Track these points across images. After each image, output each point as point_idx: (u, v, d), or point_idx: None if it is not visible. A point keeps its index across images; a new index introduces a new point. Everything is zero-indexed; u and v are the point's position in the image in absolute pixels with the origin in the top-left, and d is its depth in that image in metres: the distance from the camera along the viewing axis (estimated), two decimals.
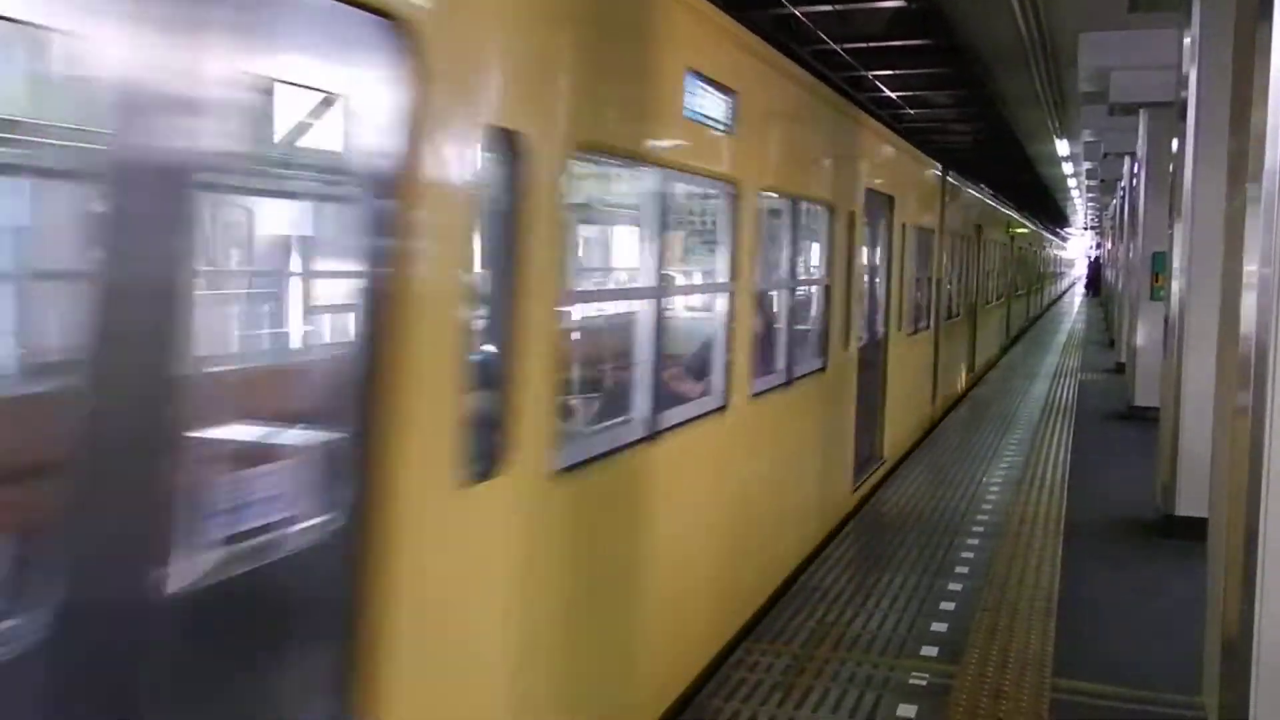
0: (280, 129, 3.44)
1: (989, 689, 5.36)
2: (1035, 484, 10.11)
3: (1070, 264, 74.32)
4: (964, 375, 17.10)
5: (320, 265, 5.03)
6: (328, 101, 3.00)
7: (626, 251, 8.44)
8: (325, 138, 3.24)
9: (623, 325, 5.29)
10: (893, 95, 17.34)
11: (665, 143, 4.70)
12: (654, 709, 4.84)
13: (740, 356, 5.80)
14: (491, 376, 3.34)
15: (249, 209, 4.28)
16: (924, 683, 5.44)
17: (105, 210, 1.99)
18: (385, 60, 2.69)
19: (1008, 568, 7.39)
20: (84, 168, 2.02)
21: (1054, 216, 55.07)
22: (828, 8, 12.01)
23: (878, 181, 9.64)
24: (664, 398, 4.90)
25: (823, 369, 7.81)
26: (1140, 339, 14.13)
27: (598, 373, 6.18)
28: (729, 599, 5.93)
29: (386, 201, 2.75)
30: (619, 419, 4.84)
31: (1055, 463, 11.13)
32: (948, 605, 6.61)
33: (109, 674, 2.05)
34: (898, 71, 15.92)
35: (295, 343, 5.13)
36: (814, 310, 7.97)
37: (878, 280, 10.08)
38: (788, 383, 6.93)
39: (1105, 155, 20.75)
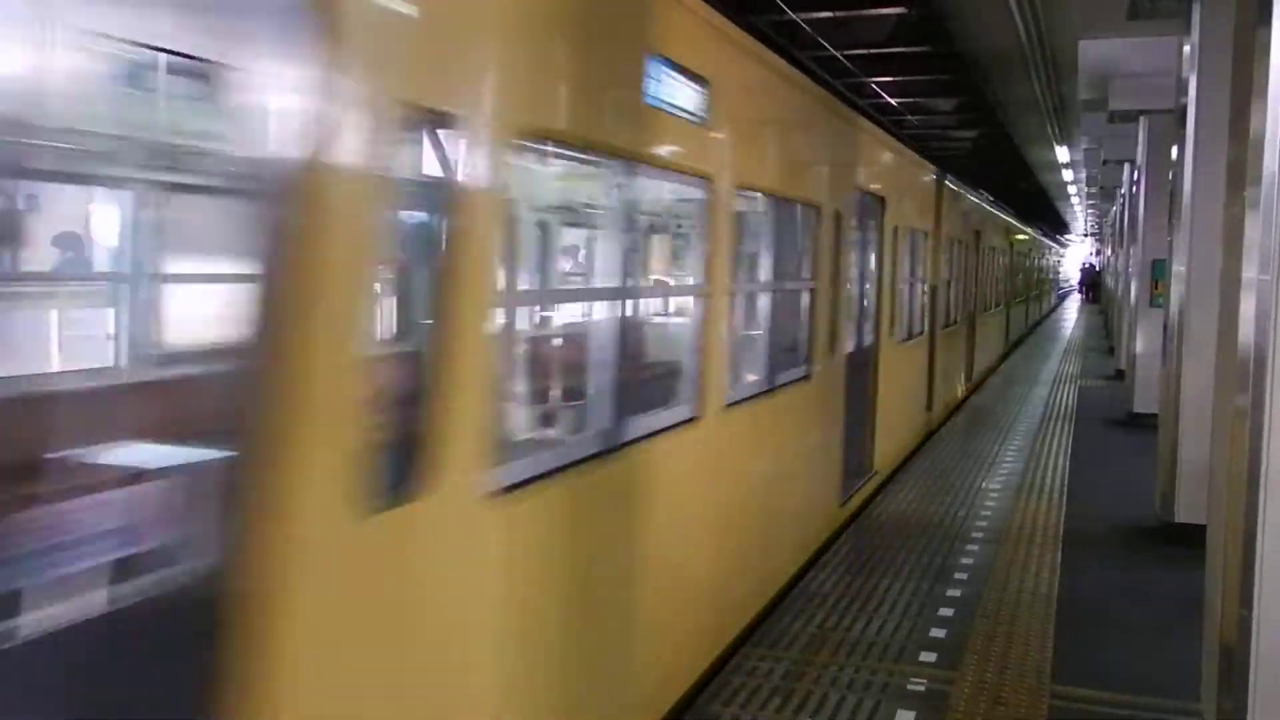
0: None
1: (987, 695, 5.36)
2: (1034, 490, 10.11)
3: (1072, 270, 74.25)
4: (962, 383, 16.94)
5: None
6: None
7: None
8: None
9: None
10: (893, 102, 17.37)
11: (603, 125, 4.30)
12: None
13: (712, 363, 5.51)
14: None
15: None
16: (922, 688, 5.43)
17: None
18: None
19: (1007, 574, 7.38)
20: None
21: (1054, 223, 55.13)
22: (828, 14, 12.04)
23: (869, 183, 9.47)
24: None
25: (806, 378, 7.47)
26: (1140, 346, 14.13)
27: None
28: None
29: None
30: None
31: (1055, 469, 11.13)
32: (946, 611, 6.61)
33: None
34: (898, 78, 15.94)
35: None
36: (797, 316, 7.63)
37: (868, 285, 9.84)
38: (768, 391, 6.72)
39: (1105, 162, 20.75)
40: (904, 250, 11.11)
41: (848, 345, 8.71)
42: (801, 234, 7.58)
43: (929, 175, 13.08)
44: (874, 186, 9.68)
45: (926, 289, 12.85)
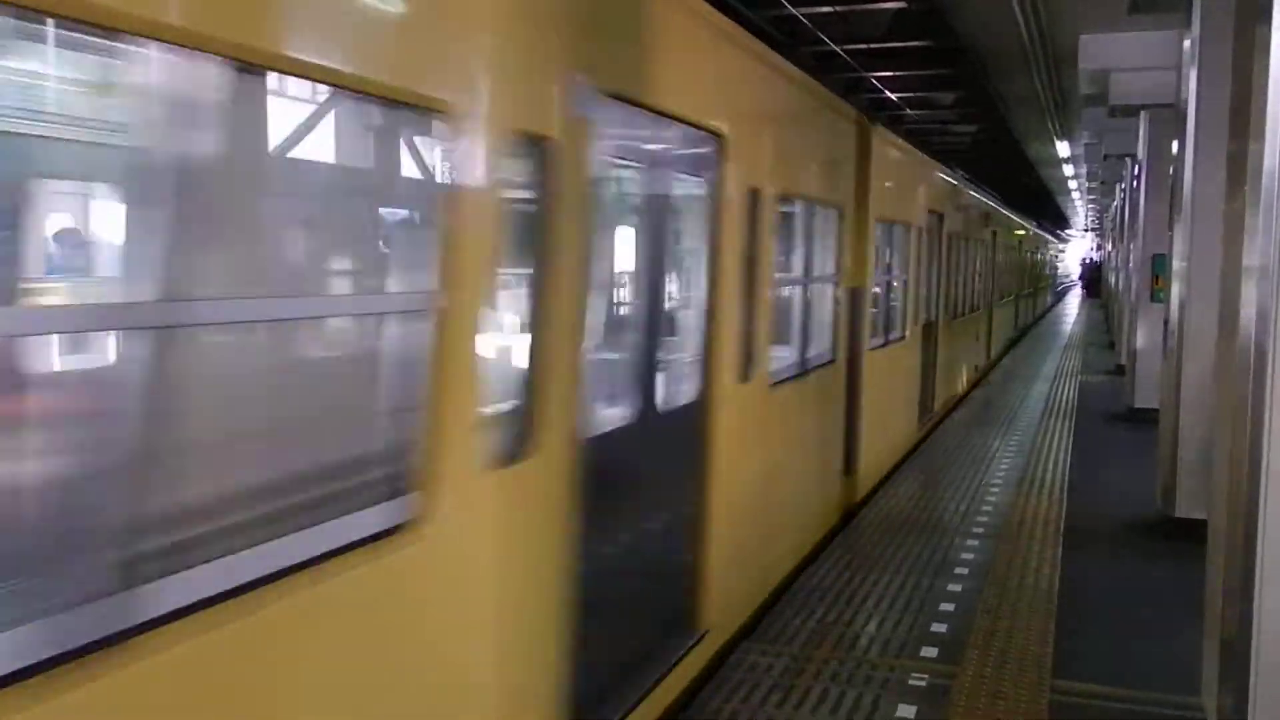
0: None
1: (988, 689, 5.36)
2: (1035, 485, 10.10)
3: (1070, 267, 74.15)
4: (917, 414, 12.41)
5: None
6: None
7: None
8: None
9: None
10: (893, 97, 17.36)
11: None
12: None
13: None
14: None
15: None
16: (923, 683, 5.44)
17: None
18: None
19: (1007, 569, 7.39)
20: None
21: (1055, 218, 55.12)
22: (828, 9, 12.02)
23: (669, 96, 4.95)
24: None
25: (401, 530, 3.01)
26: (1140, 341, 14.13)
27: None
28: None
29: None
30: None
31: (1055, 464, 11.13)
32: (947, 606, 6.61)
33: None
34: (898, 73, 15.92)
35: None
36: (371, 382, 3.44)
37: (676, 290, 5.87)
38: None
39: (1106, 157, 20.76)
40: (776, 231, 6.77)
41: (597, 418, 4.60)
42: (397, 181, 3.81)
43: (842, 119, 8.65)
44: (686, 107, 5.24)
45: (840, 293, 8.67)
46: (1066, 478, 10.45)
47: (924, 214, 12.13)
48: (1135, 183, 16.68)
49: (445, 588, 3.26)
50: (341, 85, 2.84)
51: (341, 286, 3.61)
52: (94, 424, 2.45)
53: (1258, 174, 3.51)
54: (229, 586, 2.43)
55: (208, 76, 2.32)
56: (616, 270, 5.58)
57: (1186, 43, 8.02)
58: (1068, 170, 30.54)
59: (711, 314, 5.62)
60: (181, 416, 2.50)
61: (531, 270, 3.74)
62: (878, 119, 9.95)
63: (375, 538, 2.90)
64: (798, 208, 7.58)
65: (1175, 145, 8.78)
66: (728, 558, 5.90)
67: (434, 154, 3.44)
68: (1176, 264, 8.41)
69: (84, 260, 2.69)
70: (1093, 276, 56.37)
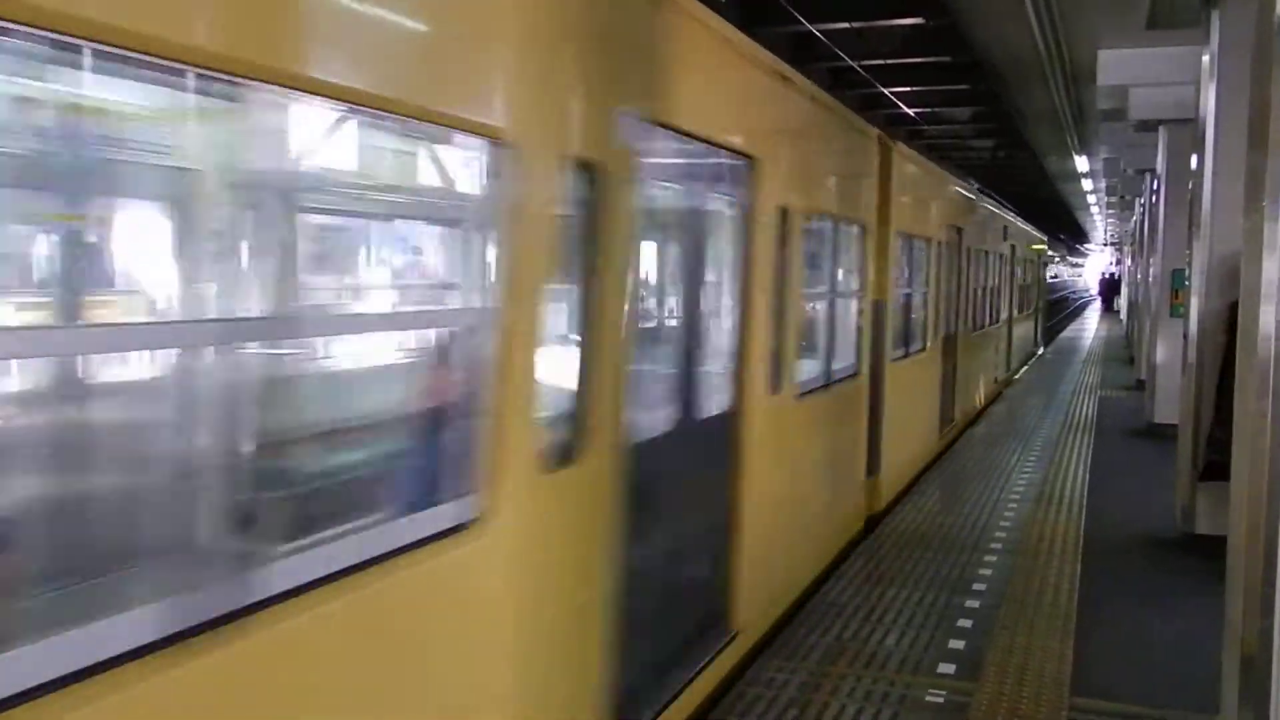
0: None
1: (1006, 707, 5.33)
2: (1054, 501, 10.04)
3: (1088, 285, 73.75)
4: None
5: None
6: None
7: None
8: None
9: None
10: (910, 112, 17.36)
11: None
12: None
13: None
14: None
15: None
16: (941, 700, 5.41)
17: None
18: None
19: (1026, 585, 7.34)
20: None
21: (1074, 232, 54.93)
22: (845, 25, 12.05)
23: (708, 123, 5.08)
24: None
25: (465, 526, 3.19)
26: (1160, 356, 14.05)
27: None
28: None
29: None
30: None
31: (1074, 480, 11.07)
32: (965, 622, 6.58)
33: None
34: (915, 88, 15.95)
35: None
36: None
37: (707, 304, 5.66)
38: None
39: (1125, 171, 20.70)
40: (804, 248, 6.66)
41: (639, 425, 4.49)
42: None
43: (863, 138, 8.59)
44: (720, 132, 5.33)
45: (865, 306, 8.53)
46: (1086, 493, 10.39)
47: (943, 228, 12.00)
48: (1155, 197, 16.62)
49: (503, 580, 3.42)
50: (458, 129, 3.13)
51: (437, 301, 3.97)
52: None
53: (1276, 188, 3.50)
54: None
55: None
56: (657, 285, 5.50)
57: (1205, 57, 8.01)
58: (1087, 185, 30.47)
59: (743, 328, 5.73)
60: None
61: (581, 286, 3.87)
62: (897, 137, 9.85)
63: (446, 533, 3.09)
64: (826, 224, 7.55)
65: (1194, 160, 8.75)
66: (757, 562, 5.97)
67: (496, 179, 3.29)
68: (1196, 278, 8.37)
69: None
70: (1110, 292, 56.18)
